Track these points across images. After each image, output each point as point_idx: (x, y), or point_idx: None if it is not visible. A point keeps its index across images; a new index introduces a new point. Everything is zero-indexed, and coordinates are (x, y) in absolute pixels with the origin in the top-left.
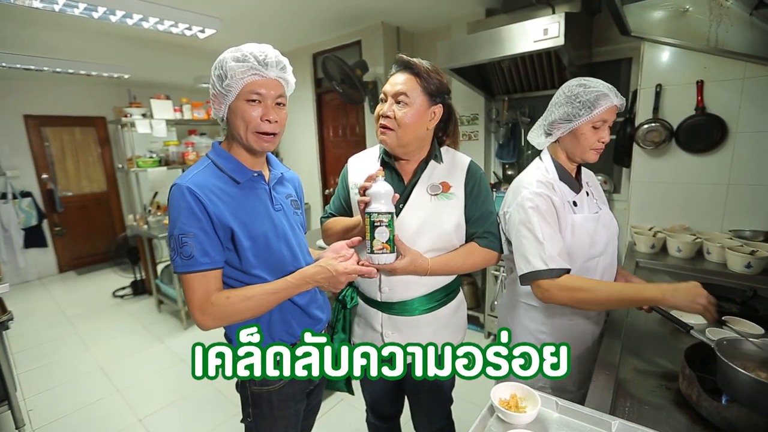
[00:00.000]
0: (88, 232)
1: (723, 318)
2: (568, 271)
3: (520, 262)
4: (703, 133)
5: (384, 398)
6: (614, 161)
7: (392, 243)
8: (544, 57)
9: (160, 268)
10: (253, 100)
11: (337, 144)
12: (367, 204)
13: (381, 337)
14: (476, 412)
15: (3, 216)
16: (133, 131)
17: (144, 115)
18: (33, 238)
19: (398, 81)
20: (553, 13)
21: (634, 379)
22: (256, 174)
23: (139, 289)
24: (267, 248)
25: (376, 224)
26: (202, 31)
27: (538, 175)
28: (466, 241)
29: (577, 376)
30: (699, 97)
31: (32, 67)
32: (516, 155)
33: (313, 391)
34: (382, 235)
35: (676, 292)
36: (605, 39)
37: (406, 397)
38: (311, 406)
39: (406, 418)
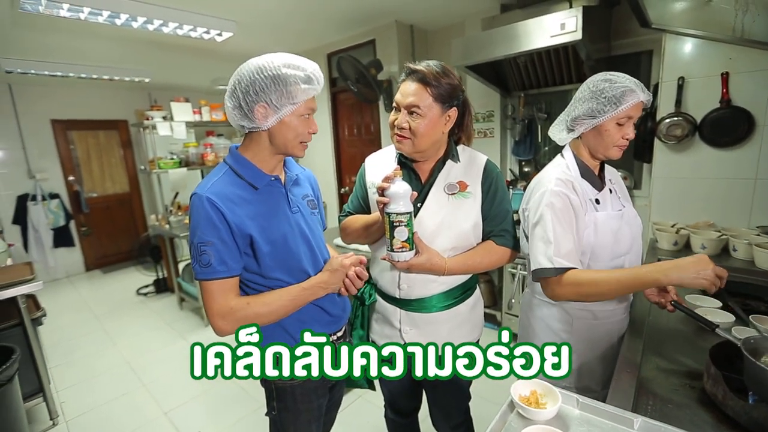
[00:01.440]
0: (113, 232)
1: (750, 317)
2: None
3: (531, 259)
4: (728, 126)
5: (402, 394)
6: (635, 157)
7: (411, 241)
8: (561, 52)
9: (181, 266)
10: (308, 115)
11: (352, 143)
12: (385, 204)
13: (399, 333)
14: (494, 410)
15: (33, 217)
16: (154, 133)
17: (164, 118)
18: (61, 237)
19: (409, 91)
20: (570, 6)
21: (656, 378)
22: (273, 178)
23: (161, 287)
24: (286, 251)
25: (395, 224)
26: (220, 35)
27: (559, 173)
28: (483, 240)
29: (601, 376)
30: (724, 90)
31: (59, 74)
32: (532, 152)
33: (335, 386)
34: (401, 234)
35: (677, 269)
36: (624, 31)
37: (424, 392)
38: (333, 400)
39: (424, 414)
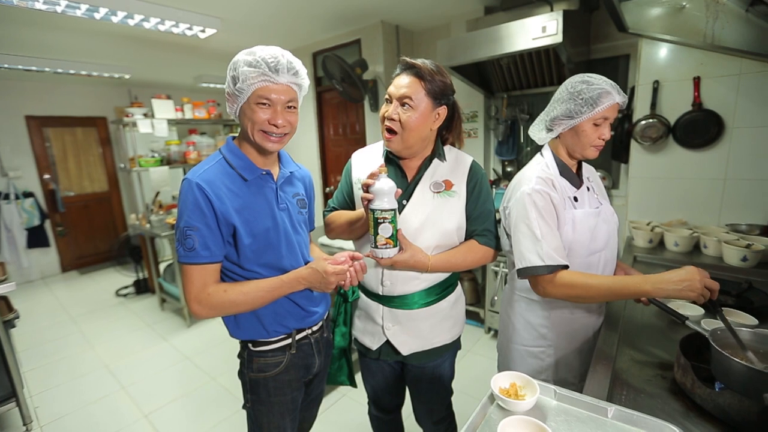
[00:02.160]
0: (90, 232)
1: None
2: (565, 267)
3: (517, 257)
4: (700, 128)
5: (385, 391)
6: (612, 157)
7: (395, 238)
8: (543, 54)
9: (162, 266)
10: (263, 104)
11: (337, 142)
12: (370, 200)
13: (382, 329)
14: (475, 404)
15: (6, 216)
16: (134, 131)
17: (145, 115)
18: (36, 238)
19: (402, 84)
20: (551, 10)
21: (630, 369)
22: (264, 173)
23: (141, 287)
24: (267, 245)
25: (379, 221)
26: (203, 31)
27: (539, 171)
28: (466, 239)
29: (578, 369)
30: (696, 93)
31: (33, 68)
32: (515, 152)
33: (312, 381)
34: (385, 231)
35: (667, 283)
36: (603, 36)
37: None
38: (312, 396)
39: (408, 411)
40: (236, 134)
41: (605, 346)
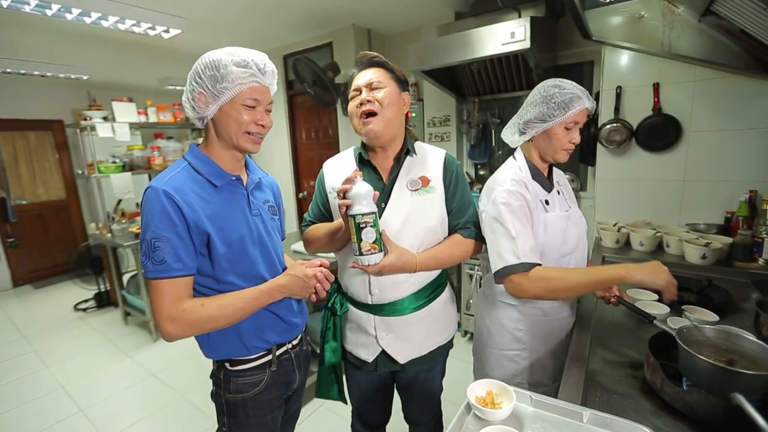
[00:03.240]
0: (46, 243)
1: (682, 307)
2: (539, 265)
3: (494, 259)
4: (660, 132)
5: (373, 405)
6: (580, 160)
7: (380, 242)
8: (512, 60)
9: (126, 278)
10: (250, 106)
11: (310, 146)
12: (348, 207)
13: (375, 340)
14: (453, 409)
15: None
16: (93, 135)
17: (105, 118)
18: None
19: (367, 74)
20: (519, 17)
21: (603, 370)
22: (234, 178)
23: (103, 301)
24: (242, 254)
25: (361, 226)
26: (167, 31)
27: (512, 174)
28: (449, 234)
29: (552, 370)
30: (656, 99)
31: None
32: (488, 155)
33: (291, 397)
34: (368, 235)
35: (640, 268)
36: (569, 42)
37: (395, 399)
38: (290, 412)
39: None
40: (199, 142)
41: (578, 347)
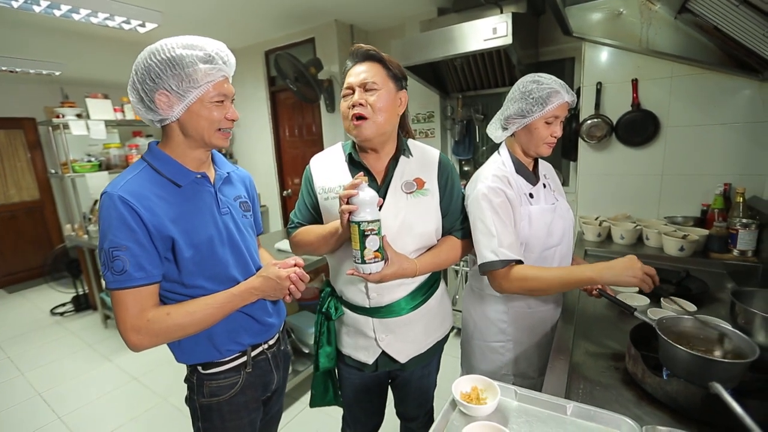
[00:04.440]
0: (19, 246)
1: (662, 298)
2: (520, 262)
3: (477, 255)
4: (639, 127)
5: (366, 405)
6: (562, 155)
7: (382, 250)
8: (495, 56)
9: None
10: (219, 101)
11: (293, 144)
12: (352, 213)
13: (375, 342)
14: (442, 404)
15: None
16: (66, 133)
17: (79, 116)
18: None
19: (362, 70)
20: (501, 13)
21: (586, 362)
22: (199, 176)
23: (81, 304)
24: (211, 256)
25: (366, 233)
26: (142, 26)
27: (494, 169)
28: (443, 235)
29: (537, 363)
30: (634, 95)
31: None
32: (471, 151)
33: (271, 398)
34: (373, 243)
35: (610, 269)
36: (550, 39)
37: (388, 399)
38: (270, 414)
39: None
40: (158, 140)
41: (562, 340)
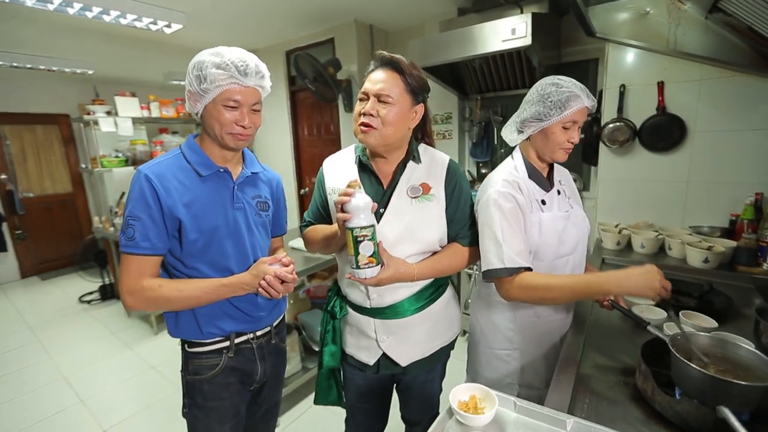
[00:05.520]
0: (53, 236)
1: (680, 312)
2: (528, 269)
3: (482, 260)
4: (664, 132)
5: (370, 408)
6: (583, 160)
7: (377, 255)
8: (515, 56)
9: None
10: (230, 106)
11: (312, 143)
12: (346, 219)
13: (376, 343)
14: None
15: None
16: (96, 130)
17: (108, 113)
18: None
19: (380, 79)
20: (521, 13)
21: (594, 375)
22: (222, 170)
23: (107, 293)
24: (213, 243)
25: (359, 239)
26: (168, 26)
27: (505, 174)
28: (448, 242)
29: (544, 374)
30: (660, 98)
31: None
32: (489, 154)
33: (261, 391)
34: (366, 249)
35: (626, 280)
36: (573, 40)
37: (394, 403)
38: (264, 408)
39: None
40: (198, 132)
41: (570, 351)
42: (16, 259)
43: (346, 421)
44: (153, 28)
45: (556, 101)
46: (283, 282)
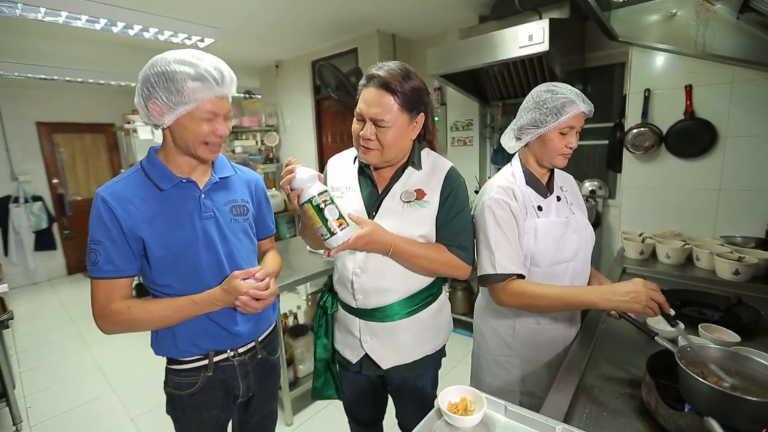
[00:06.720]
0: None
1: (699, 325)
2: (521, 276)
3: (478, 265)
4: (692, 137)
5: (362, 404)
6: (608, 166)
7: (345, 217)
8: (536, 63)
9: None
10: (208, 118)
11: (335, 150)
12: (299, 195)
13: (359, 342)
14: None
15: (15, 219)
16: (135, 137)
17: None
18: (43, 240)
19: (373, 101)
20: (540, 18)
21: (599, 386)
22: (184, 181)
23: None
24: (183, 258)
25: (320, 207)
26: (202, 41)
27: (501, 181)
28: None
29: (547, 383)
30: (688, 102)
31: (43, 76)
32: (510, 160)
33: (249, 403)
34: (332, 213)
35: (611, 294)
36: (598, 44)
37: (388, 400)
38: (256, 419)
39: (391, 423)
40: (157, 146)
41: (574, 359)
42: (63, 257)
43: (345, 411)
44: (187, 42)
45: (551, 108)
46: (258, 299)
